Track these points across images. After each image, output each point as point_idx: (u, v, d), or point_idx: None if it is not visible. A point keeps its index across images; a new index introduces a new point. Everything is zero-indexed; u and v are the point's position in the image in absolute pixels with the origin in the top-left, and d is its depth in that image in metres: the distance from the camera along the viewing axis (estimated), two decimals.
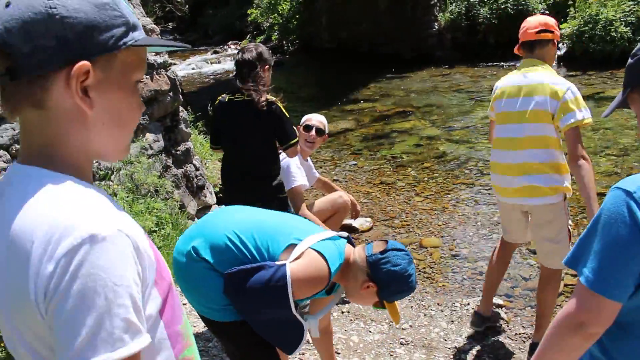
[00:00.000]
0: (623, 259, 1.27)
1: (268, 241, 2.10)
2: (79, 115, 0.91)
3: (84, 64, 0.87)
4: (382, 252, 2.18)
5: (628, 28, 11.80)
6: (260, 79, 3.29)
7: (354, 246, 2.33)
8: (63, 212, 0.83)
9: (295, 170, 3.65)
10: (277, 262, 2.03)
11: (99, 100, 0.91)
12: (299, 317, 2.11)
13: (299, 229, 2.18)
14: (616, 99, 1.51)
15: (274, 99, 3.33)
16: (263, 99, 3.26)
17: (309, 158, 4.04)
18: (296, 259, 2.05)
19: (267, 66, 3.37)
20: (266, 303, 2.03)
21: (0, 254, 0.86)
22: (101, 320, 0.79)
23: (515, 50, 3.31)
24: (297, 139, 3.44)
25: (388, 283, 2.17)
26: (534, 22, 3.17)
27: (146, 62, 1.03)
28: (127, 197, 4.04)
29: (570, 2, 13.39)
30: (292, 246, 2.09)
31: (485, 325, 3.52)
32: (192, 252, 2.10)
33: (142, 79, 1.02)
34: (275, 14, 18.42)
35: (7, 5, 0.86)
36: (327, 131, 3.98)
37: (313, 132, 3.85)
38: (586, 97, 9.55)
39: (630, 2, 12.12)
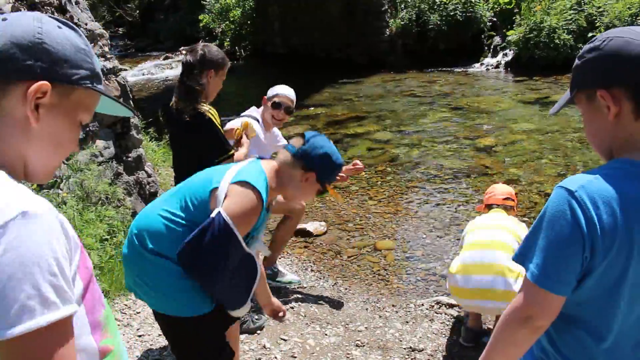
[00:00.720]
0: (565, 255, 1.32)
1: (194, 200, 2.12)
2: (25, 125, 1.02)
3: (45, 84, 1.01)
4: (305, 143, 2.26)
5: (570, 35, 12.25)
6: (193, 84, 3.03)
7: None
8: None
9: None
10: (211, 215, 2.03)
11: (45, 119, 1.04)
12: (248, 250, 2.14)
13: (216, 173, 2.19)
14: (563, 97, 1.56)
15: (206, 108, 3.03)
16: (190, 108, 3.00)
17: (275, 128, 4.01)
18: (225, 199, 2.07)
19: (211, 71, 3.08)
20: (223, 256, 2.04)
21: None
22: (36, 286, 0.87)
23: (477, 209, 3.89)
24: (232, 151, 3.09)
25: (323, 165, 2.25)
26: (500, 190, 3.69)
27: (93, 113, 1.17)
28: (77, 205, 3.95)
29: (516, 11, 13.81)
30: (214, 190, 2.10)
31: (481, 340, 3.45)
32: (139, 245, 2.12)
33: (86, 122, 1.12)
34: (227, 21, 18.34)
35: (4, 20, 1.04)
36: (294, 104, 3.96)
37: (282, 112, 3.82)
38: (533, 101, 9.91)
39: (572, 11, 12.58)
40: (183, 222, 2.10)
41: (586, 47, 1.43)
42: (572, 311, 1.40)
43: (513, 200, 3.68)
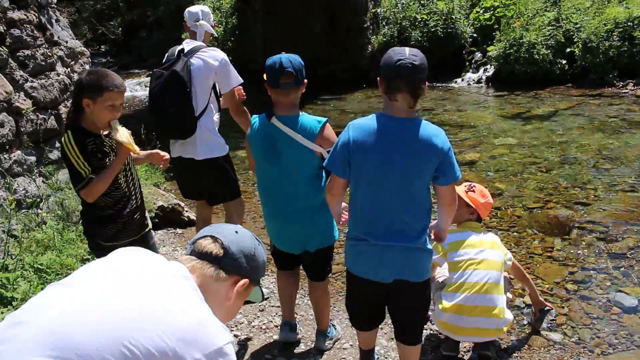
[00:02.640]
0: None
1: None
2: (224, 301, 1.65)
3: (247, 281, 1.70)
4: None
5: (549, 51, 12.43)
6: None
7: None
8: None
9: None
10: None
11: (234, 299, 1.67)
12: None
13: None
14: None
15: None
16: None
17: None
18: None
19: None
20: None
21: None
22: None
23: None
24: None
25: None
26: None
27: None
28: (57, 224, 3.91)
29: (496, 27, 14.00)
30: None
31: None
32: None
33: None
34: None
35: (237, 232, 1.73)
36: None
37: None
38: (514, 116, 10.02)
39: (550, 27, 12.79)
40: None
41: None
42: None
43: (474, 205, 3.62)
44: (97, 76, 2.83)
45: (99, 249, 2.97)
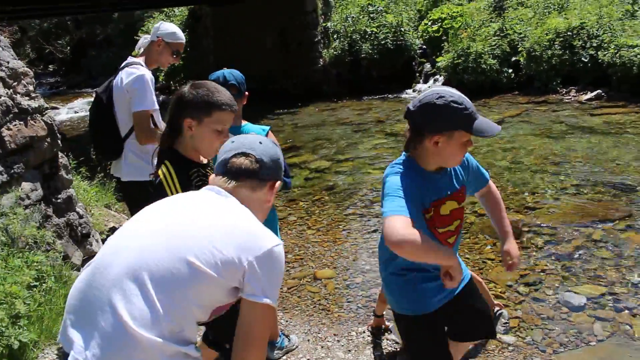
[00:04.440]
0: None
1: None
2: (263, 204, 1.86)
3: (280, 182, 1.90)
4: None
5: (495, 60, 12.79)
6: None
7: None
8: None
9: None
10: None
11: (272, 200, 1.90)
12: None
13: None
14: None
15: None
16: None
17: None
18: None
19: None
20: None
21: None
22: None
23: None
24: None
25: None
26: None
27: None
28: (1, 251, 3.78)
29: (444, 38, 14.33)
30: None
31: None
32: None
33: None
34: None
35: (261, 143, 1.86)
36: None
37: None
38: None
39: (496, 37, 13.17)
40: None
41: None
42: None
43: None
44: (206, 91, 2.34)
45: None
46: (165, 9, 19.23)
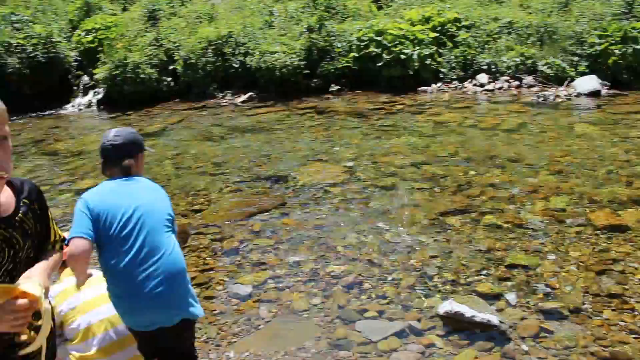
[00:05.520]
0: None
1: None
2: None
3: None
4: None
5: (154, 69, 12.94)
6: None
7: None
8: None
9: None
10: None
11: None
12: None
13: None
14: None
15: None
16: None
17: None
18: None
19: None
20: None
21: None
22: None
23: None
24: None
25: None
26: None
27: None
28: None
29: (100, 49, 13.89)
30: None
31: None
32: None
33: None
34: None
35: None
36: None
37: None
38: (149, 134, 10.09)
39: (152, 47, 13.31)
40: None
41: None
42: None
43: None
44: None
45: None
46: None
